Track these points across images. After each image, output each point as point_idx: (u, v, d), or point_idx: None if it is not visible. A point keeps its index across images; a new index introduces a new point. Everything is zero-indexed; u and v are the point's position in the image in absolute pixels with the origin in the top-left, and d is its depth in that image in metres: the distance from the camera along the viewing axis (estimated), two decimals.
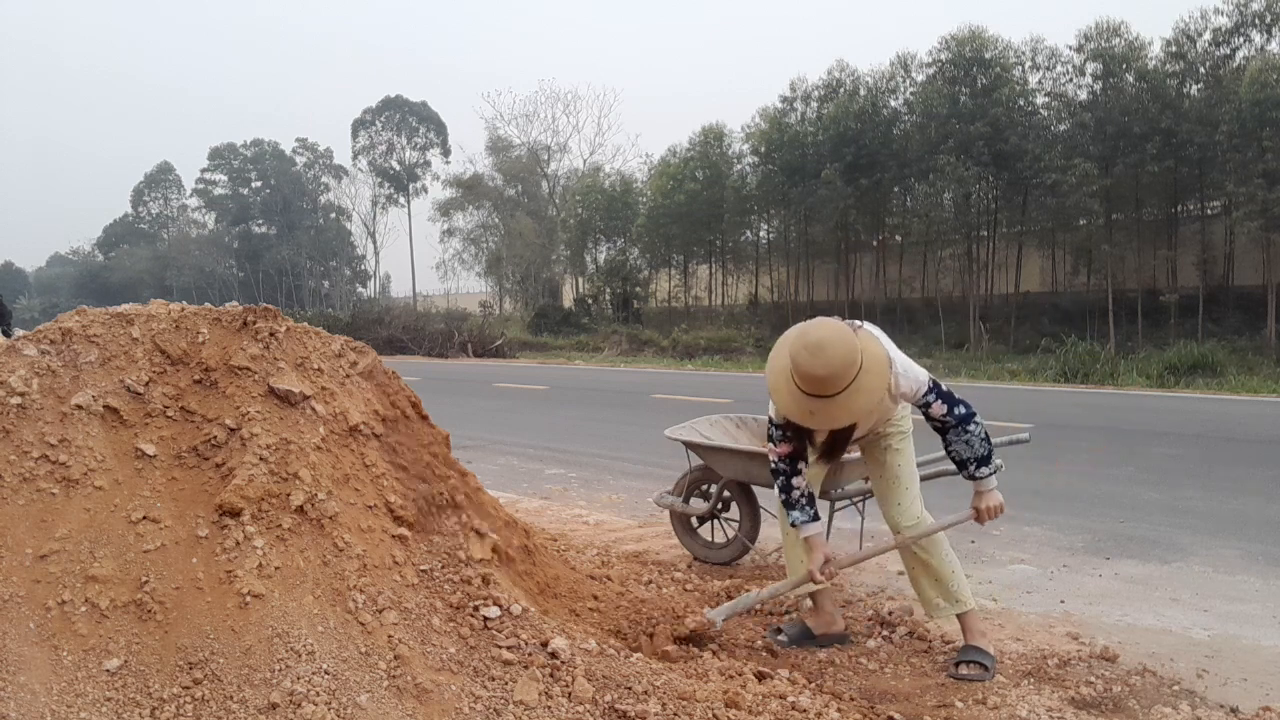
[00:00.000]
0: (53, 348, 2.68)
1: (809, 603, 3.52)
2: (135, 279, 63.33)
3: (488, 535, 3.07)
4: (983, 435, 3.05)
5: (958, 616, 3.26)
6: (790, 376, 2.81)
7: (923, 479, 4.10)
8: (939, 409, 3.01)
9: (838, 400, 2.76)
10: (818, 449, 3.18)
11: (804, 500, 3.16)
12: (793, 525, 3.19)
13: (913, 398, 3.01)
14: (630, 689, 2.44)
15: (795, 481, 3.15)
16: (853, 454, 3.78)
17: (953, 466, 3.86)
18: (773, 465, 3.19)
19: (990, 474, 3.11)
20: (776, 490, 3.21)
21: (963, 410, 3.02)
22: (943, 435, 3.08)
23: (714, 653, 3.15)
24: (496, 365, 24.21)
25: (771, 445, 3.18)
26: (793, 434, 3.10)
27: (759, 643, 3.38)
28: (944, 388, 3.03)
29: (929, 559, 3.25)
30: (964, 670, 3.09)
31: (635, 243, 36.19)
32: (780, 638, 3.40)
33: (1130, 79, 22.48)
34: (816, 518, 3.18)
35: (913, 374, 2.99)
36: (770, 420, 3.18)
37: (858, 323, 2.96)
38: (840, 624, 3.47)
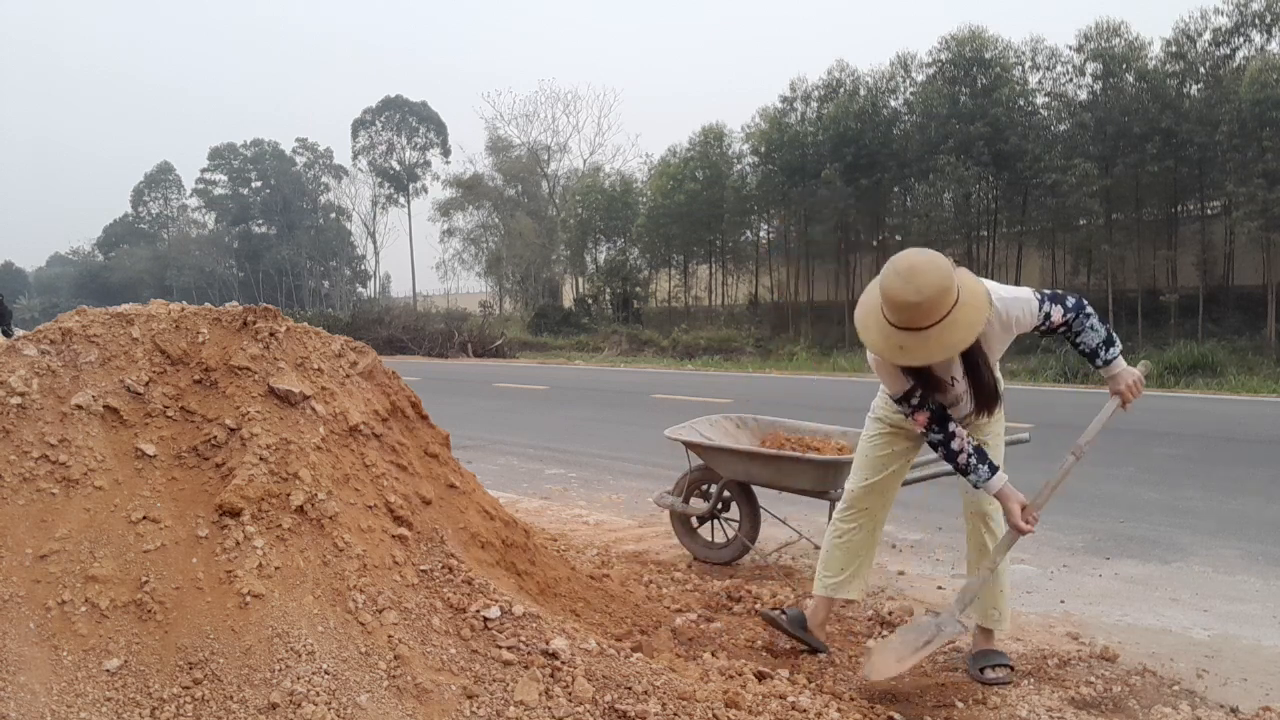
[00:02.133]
0: (53, 348, 2.68)
1: (809, 602, 3.49)
2: (135, 279, 63.32)
3: (487, 535, 3.08)
4: (1102, 325, 2.91)
5: (982, 627, 3.22)
6: (880, 310, 2.60)
7: (918, 480, 4.11)
8: (1058, 315, 2.83)
9: (931, 334, 2.55)
10: (959, 400, 2.92)
11: (975, 457, 2.88)
12: (976, 488, 2.94)
13: (1033, 321, 2.81)
14: (630, 689, 2.44)
15: (954, 444, 2.86)
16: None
17: (947, 467, 3.82)
18: (928, 440, 2.92)
19: (1119, 353, 2.94)
20: (946, 461, 2.94)
21: (1073, 301, 2.86)
22: (1069, 336, 2.91)
23: (714, 653, 3.15)
24: (496, 365, 24.21)
25: (912, 422, 2.94)
26: (918, 400, 2.85)
27: (759, 643, 3.38)
28: (1048, 292, 2.87)
29: (1003, 571, 3.13)
30: (990, 674, 3.07)
31: (635, 243, 36.17)
32: (779, 614, 3.35)
33: (1130, 79, 22.46)
34: (995, 469, 2.91)
35: (1021, 299, 2.80)
36: (894, 400, 2.93)
37: (953, 258, 2.75)
38: (824, 633, 3.39)
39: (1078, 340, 2.92)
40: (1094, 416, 3.05)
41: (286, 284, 61.43)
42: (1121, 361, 2.96)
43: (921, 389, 2.85)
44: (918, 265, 2.53)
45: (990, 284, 2.78)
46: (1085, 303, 2.90)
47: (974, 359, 2.82)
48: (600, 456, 8.20)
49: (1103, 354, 2.92)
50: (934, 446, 2.94)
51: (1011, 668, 3.11)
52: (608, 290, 36.80)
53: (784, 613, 3.38)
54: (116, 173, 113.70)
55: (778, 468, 4.13)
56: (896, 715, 2.76)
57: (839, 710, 2.69)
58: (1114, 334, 2.95)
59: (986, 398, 2.90)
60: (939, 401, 2.89)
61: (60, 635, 2.20)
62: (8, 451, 2.44)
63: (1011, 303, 2.80)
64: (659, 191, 32.45)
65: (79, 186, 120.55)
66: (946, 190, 25.13)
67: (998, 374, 3.01)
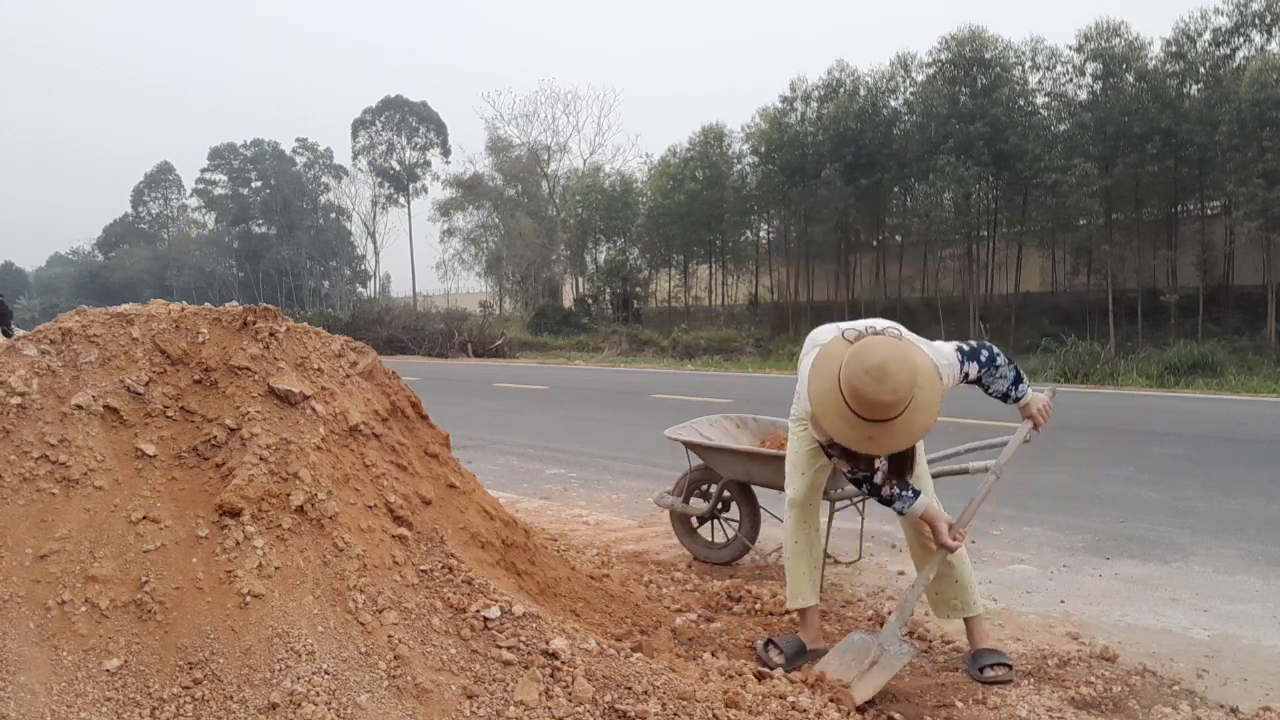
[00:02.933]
0: (53, 348, 2.68)
1: (800, 616, 3.45)
2: (135, 279, 63.35)
3: (487, 535, 3.08)
4: (1005, 361, 3.03)
5: (967, 620, 3.24)
6: (842, 401, 2.62)
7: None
8: (974, 371, 2.96)
9: (897, 423, 2.61)
10: (881, 470, 3.03)
11: (898, 489, 3.02)
12: (901, 514, 3.09)
13: (954, 382, 2.92)
14: (630, 689, 2.44)
15: (878, 479, 3.00)
16: None
17: (954, 466, 3.88)
18: (850, 479, 3.07)
19: (1027, 388, 3.10)
20: (868, 496, 3.12)
21: (986, 355, 2.98)
22: (982, 387, 3.05)
23: (714, 653, 3.15)
24: (496, 365, 24.21)
25: (833, 458, 3.02)
26: (842, 451, 2.91)
27: (758, 642, 3.38)
28: (966, 348, 2.97)
29: (954, 559, 3.18)
30: (990, 673, 3.07)
31: (635, 243, 36.18)
32: (776, 657, 3.22)
33: (1130, 79, 22.47)
34: (917, 493, 3.06)
35: (946, 363, 2.87)
36: (820, 444, 3.03)
37: (893, 329, 2.82)
38: (824, 641, 3.39)
39: (990, 390, 3.08)
40: (1009, 438, 3.26)
41: (286, 284, 61.45)
42: (1030, 392, 3.13)
43: (846, 458, 2.90)
44: (888, 364, 2.53)
45: (923, 346, 2.84)
46: (996, 353, 3.02)
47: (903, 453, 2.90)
48: (600, 456, 8.20)
49: (1013, 394, 3.10)
50: (857, 484, 3.06)
51: (1011, 667, 3.11)
52: (608, 290, 36.80)
53: (778, 646, 3.27)
54: (116, 173, 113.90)
55: (778, 468, 4.13)
56: (896, 715, 2.76)
57: (839, 710, 2.69)
58: (1021, 372, 3.10)
59: (900, 471, 2.97)
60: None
61: (60, 635, 2.20)
62: (8, 451, 2.44)
63: (944, 371, 2.85)
64: (659, 191, 32.46)
65: (79, 186, 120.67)
66: (946, 190, 25.14)
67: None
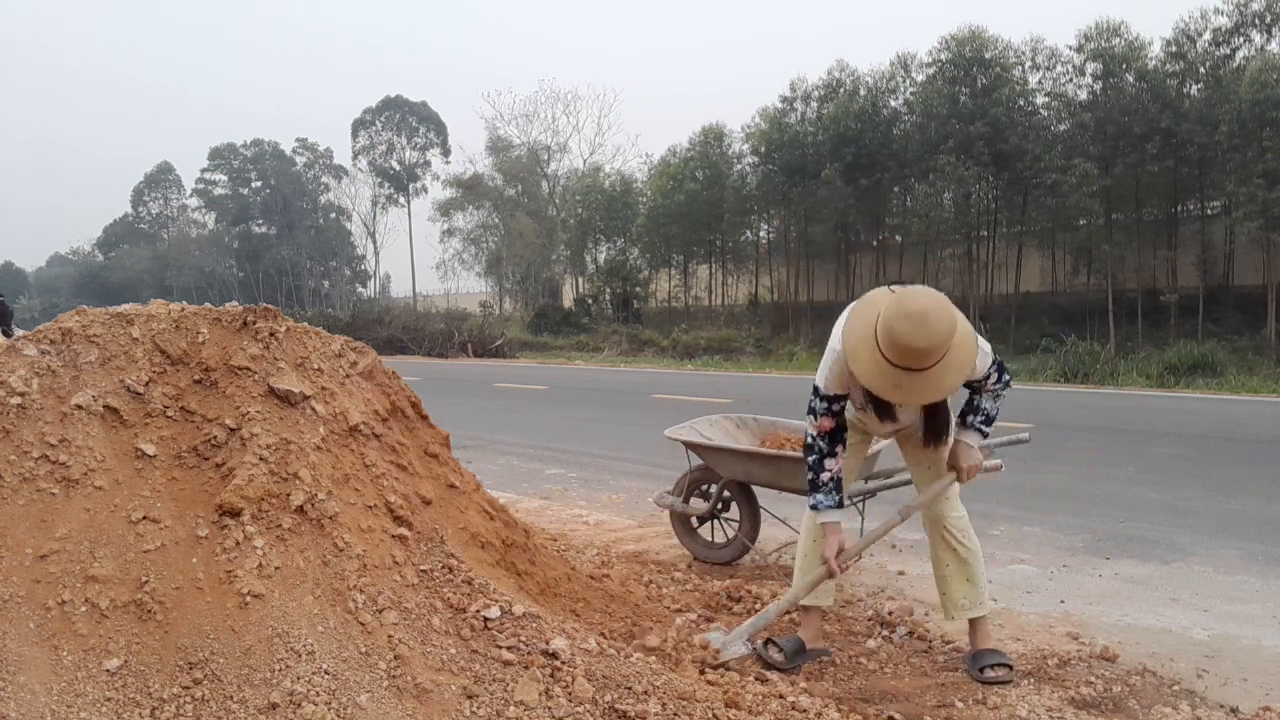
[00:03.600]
0: (53, 348, 2.68)
1: (800, 622, 3.44)
2: (135, 279, 63.34)
3: (487, 535, 3.08)
4: (999, 407, 3.06)
5: (971, 620, 3.22)
6: (876, 346, 2.61)
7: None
8: (994, 378, 2.96)
9: (928, 375, 2.58)
10: (903, 428, 3.05)
11: (832, 485, 3.01)
12: (812, 509, 3.05)
13: (981, 374, 2.90)
14: (630, 689, 2.44)
15: (828, 464, 2.99)
16: (876, 446, 3.70)
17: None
18: (809, 441, 3.02)
19: (986, 435, 3.07)
20: (806, 469, 3.04)
21: (1008, 376, 3.01)
22: (982, 394, 3.02)
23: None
24: (496, 365, 24.21)
25: (811, 419, 3.01)
26: (839, 409, 2.97)
27: (758, 643, 3.38)
28: (998, 359, 2.97)
29: (969, 557, 3.17)
30: (990, 674, 3.06)
31: (635, 243, 36.17)
32: (776, 655, 3.21)
33: (1130, 79, 22.46)
34: (841, 505, 3.02)
35: (985, 350, 2.87)
36: (815, 391, 2.99)
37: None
38: (823, 641, 3.38)
39: (975, 401, 3.03)
40: (930, 487, 3.18)
41: (286, 284, 61.44)
42: (981, 440, 3.08)
43: (877, 412, 2.93)
44: (929, 311, 2.53)
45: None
46: (1010, 381, 3.05)
47: (937, 408, 2.93)
48: (600, 456, 8.20)
49: (977, 419, 3.06)
50: (808, 451, 3.04)
51: (1011, 667, 3.11)
52: (608, 290, 36.80)
53: (777, 645, 3.25)
54: (116, 173, 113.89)
55: (778, 468, 4.13)
56: (897, 715, 2.76)
57: (839, 710, 2.69)
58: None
59: (938, 429, 2.99)
60: (844, 421, 3.02)
61: (60, 635, 2.20)
62: (8, 451, 2.43)
63: (980, 354, 2.84)
64: (659, 191, 32.45)
65: (79, 186, 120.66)
66: (946, 190, 25.13)
67: (952, 415, 3.10)
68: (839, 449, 3.01)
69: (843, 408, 3.01)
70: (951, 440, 3.08)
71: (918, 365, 2.58)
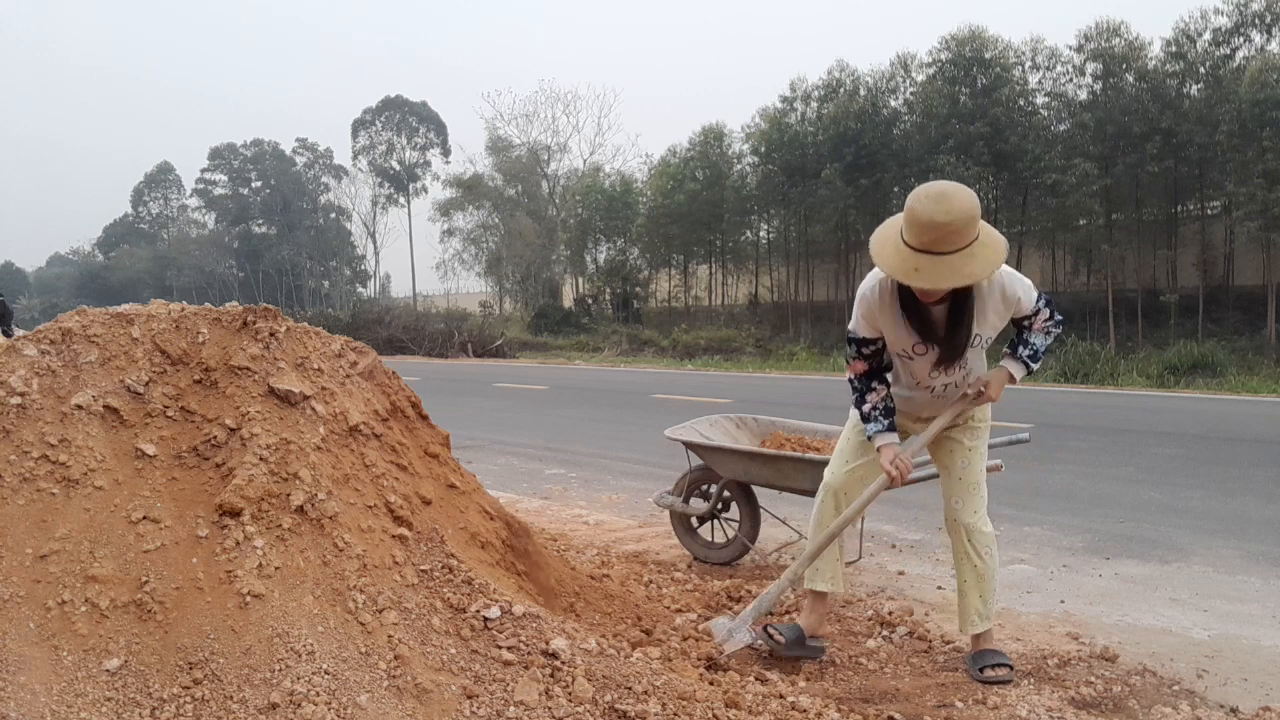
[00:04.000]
0: (53, 348, 2.68)
1: (800, 612, 3.45)
2: (135, 279, 63.37)
3: (487, 535, 3.08)
4: (1049, 344, 3.07)
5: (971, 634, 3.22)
6: (900, 234, 2.64)
7: (916, 480, 4.10)
8: (1044, 315, 2.98)
9: (949, 260, 2.58)
10: (916, 370, 3.00)
11: (877, 413, 3.02)
12: (868, 438, 3.06)
13: (1029, 308, 2.92)
14: (630, 689, 2.44)
15: (869, 398, 3.03)
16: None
17: (928, 472, 3.80)
18: (849, 380, 3.07)
19: (1028, 371, 3.07)
20: (853, 406, 3.10)
21: (1060, 316, 3.05)
22: (1033, 331, 3.03)
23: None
24: (496, 365, 24.21)
25: (848, 363, 3.07)
26: (869, 352, 3.00)
27: (759, 643, 3.38)
28: (1047, 296, 2.99)
29: (986, 574, 3.13)
30: (990, 674, 3.06)
31: (635, 243, 36.18)
32: (778, 637, 3.21)
33: (1130, 79, 22.48)
34: (893, 429, 3.03)
35: (1026, 284, 2.90)
36: (849, 337, 3.04)
37: None
38: (825, 629, 3.35)
39: (1031, 336, 3.03)
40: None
41: (286, 284, 61.45)
42: (1020, 375, 3.07)
43: (920, 333, 2.88)
44: (949, 190, 2.58)
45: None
46: (1059, 323, 3.07)
47: (962, 312, 2.84)
48: (600, 456, 8.20)
49: (1027, 357, 3.05)
50: (852, 389, 3.09)
51: (1011, 667, 3.11)
52: (608, 290, 36.81)
53: (780, 631, 3.23)
54: (116, 173, 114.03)
55: (778, 468, 4.13)
56: (896, 715, 2.76)
57: (839, 710, 2.69)
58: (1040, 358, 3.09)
59: (954, 349, 2.91)
60: (888, 361, 3.05)
61: (60, 635, 2.20)
62: (8, 451, 2.43)
63: (1018, 281, 2.89)
64: (659, 191, 32.46)
65: (79, 186, 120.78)
66: None
67: (983, 358, 3.09)
68: (876, 384, 3.04)
69: (875, 351, 3.02)
70: (968, 371, 3.05)
71: (938, 248, 2.58)
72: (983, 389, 3.05)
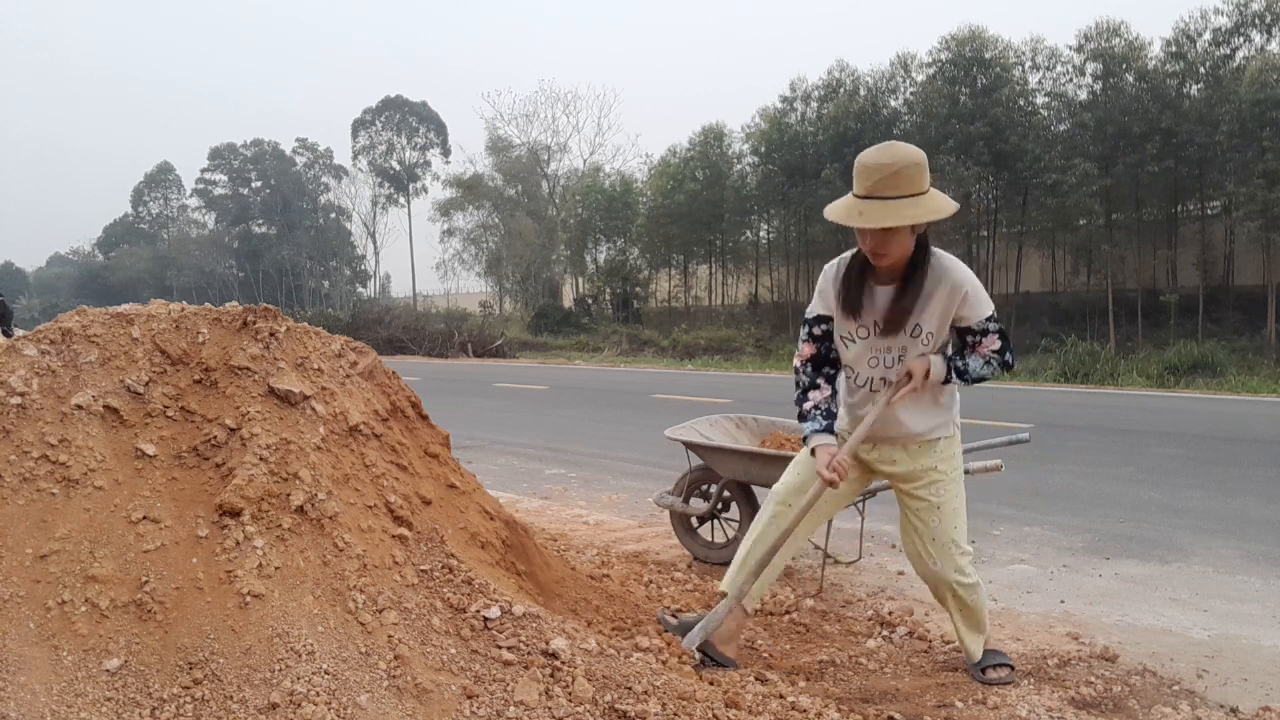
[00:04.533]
0: (53, 348, 2.68)
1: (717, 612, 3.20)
2: (135, 279, 63.36)
3: (487, 535, 3.08)
4: (986, 378, 2.95)
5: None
6: (851, 193, 2.78)
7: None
8: (993, 343, 2.86)
9: (890, 203, 2.66)
10: (869, 326, 2.90)
11: (816, 411, 2.97)
12: (804, 440, 2.99)
13: (975, 314, 2.82)
14: (630, 689, 2.44)
15: (811, 395, 3.00)
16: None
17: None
18: (795, 368, 3.05)
19: (950, 379, 2.90)
20: (795, 403, 3.05)
21: (1010, 359, 2.92)
22: (966, 348, 2.91)
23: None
24: (496, 365, 24.21)
25: (796, 350, 3.05)
26: (819, 333, 2.96)
27: (759, 643, 3.38)
28: (1002, 326, 2.91)
29: (978, 609, 3.07)
30: (991, 674, 3.06)
31: (635, 243, 36.18)
32: (670, 621, 3.16)
33: (1130, 79, 22.48)
34: (831, 431, 2.96)
35: (981, 291, 2.85)
36: (804, 318, 3.04)
37: None
38: (734, 650, 3.10)
39: (968, 358, 2.91)
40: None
41: (286, 284, 61.45)
42: (943, 374, 2.90)
43: (863, 310, 2.87)
44: (894, 143, 2.76)
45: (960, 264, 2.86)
46: (1010, 358, 2.94)
47: (905, 292, 2.82)
48: (600, 456, 8.20)
49: (954, 363, 2.91)
50: (795, 384, 3.06)
51: (1012, 667, 3.11)
52: (608, 290, 36.81)
53: (676, 620, 3.15)
54: (116, 173, 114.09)
55: (778, 468, 4.13)
56: (896, 715, 2.76)
57: (839, 710, 2.69)
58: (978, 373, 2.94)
59: (891, 325, 2.85)
60: (835, 355, 3.00)
61: (60, 635, 2.20)
62: (8, 451, 2.44)
63: (970, 281, 2.82)
64: (659, 191, 32.46)
65: (79, 186, 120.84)
66: (946, 190, 25.07)
67: (939, 360, 2.91)
68: (820, 380, 3.01)
69: (825, 333, 2.99)
70: (908, 345, 2.91)
71: (881, 192, 2.67)
72: (907, 374, 2.90)
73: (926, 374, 2.86)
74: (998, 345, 2.88)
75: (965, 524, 3.06)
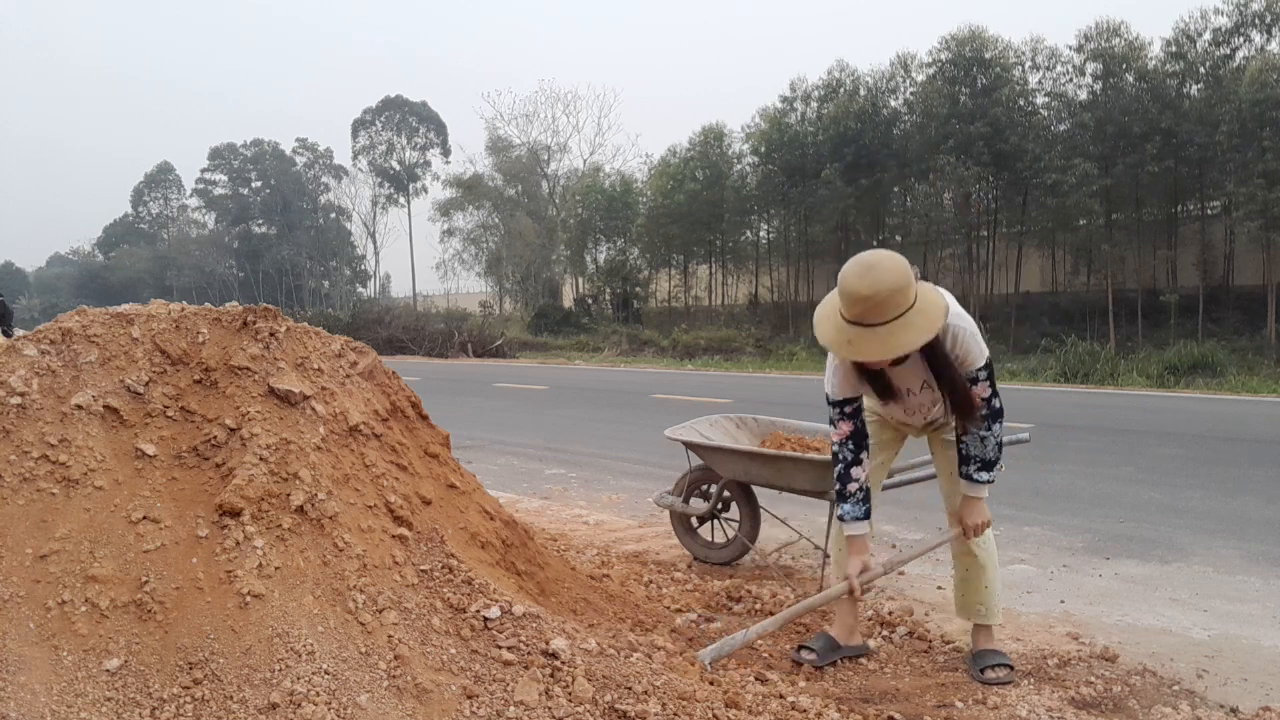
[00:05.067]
0: (53, 348, 2.68)
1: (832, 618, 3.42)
2: (135, 279, 63.37)
3: (487, 535, 3.08)
4: (999, 441, 2.96)
5: (976, 624, 3.23)
6: (837, 307, 2.66)
7: (917, 480, 4.12)
8: (983, 391, 2.87)
9: (880, 332, 2.58)
10: (921, 409, 2.99)
11: (859, 495, 2.99)
12: (840, 519, 3.03)
13: (966, 362, 2.83)
14: (630, 689, 2.44)
15: (854, 472, 2.98)
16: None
17: (928, 471, 3.81)
18: (834, 450, 3.02)
19: (988, 482, 2.99)
20: (834, 479, 3.02)
21: (998, 404, 2.92)
22: (966, 428, 2.95)
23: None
24: (496, 365, 24.21)
25: (831, 428, 3.03)
26: (851, 411, 2.96)
27: (759, 643, 3.38)
28: (995, 376, 2.93)
29: (988, 563, 3.14)
30: (990, 674, 3.06)
31: (635, 243, 36.18)
32: (808, 655, 3.18)
33: (1130, 79, 22.47)
34: (867, 516, 3.00)
35: (976, 340, 2.83)
36: (828, 399, 3.01)
37: (917, 270, 2.79)
38: (860, 637, 3.32)
39: (967, 440, 2.95)
40: (924, 543, 3.26)
41: (286, 284, 61.45)
42: (985, 491, 3.01)
43: (876, 392, 2.93)
44: (877, 262, 2.58)
45: (952, 303, 2.80)
46: (1003, 422, 2.96)
47: (942, 367, 2.83)
48: (600, 456, 8.20)
49: (972, 468, 2.97)
50: (834, 461, 3.03)
51: (1011, 667, 3.11)
52: (608, 290, 36.80)
53: (811, 650, 3.20)
54: (116, 173, 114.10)
55: (778, 468, 4.13)
56: (896, 715, 2.76)
57: (839, 710, 2.69)
58: (998, 467, 2.98)
59: (962, 402, 2.86)
60: (862, 422, 3.01)
61: (60, 635, 2.20)
62: (8, 451, 2.43)
63: (964, 333, 2.81)
64: (659, 191, 32.46)
65: (79, 186, 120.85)
66: (946, 190, 25.15)
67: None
68: (863, 455, 3.00)
69: (856, 409, 3.00)
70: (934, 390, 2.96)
71: (868, 320, 2.59)
72: (966, 531, 3.06)
73: (980, 524, 3.04)
74: (987, 393, 2.91)
75: None
